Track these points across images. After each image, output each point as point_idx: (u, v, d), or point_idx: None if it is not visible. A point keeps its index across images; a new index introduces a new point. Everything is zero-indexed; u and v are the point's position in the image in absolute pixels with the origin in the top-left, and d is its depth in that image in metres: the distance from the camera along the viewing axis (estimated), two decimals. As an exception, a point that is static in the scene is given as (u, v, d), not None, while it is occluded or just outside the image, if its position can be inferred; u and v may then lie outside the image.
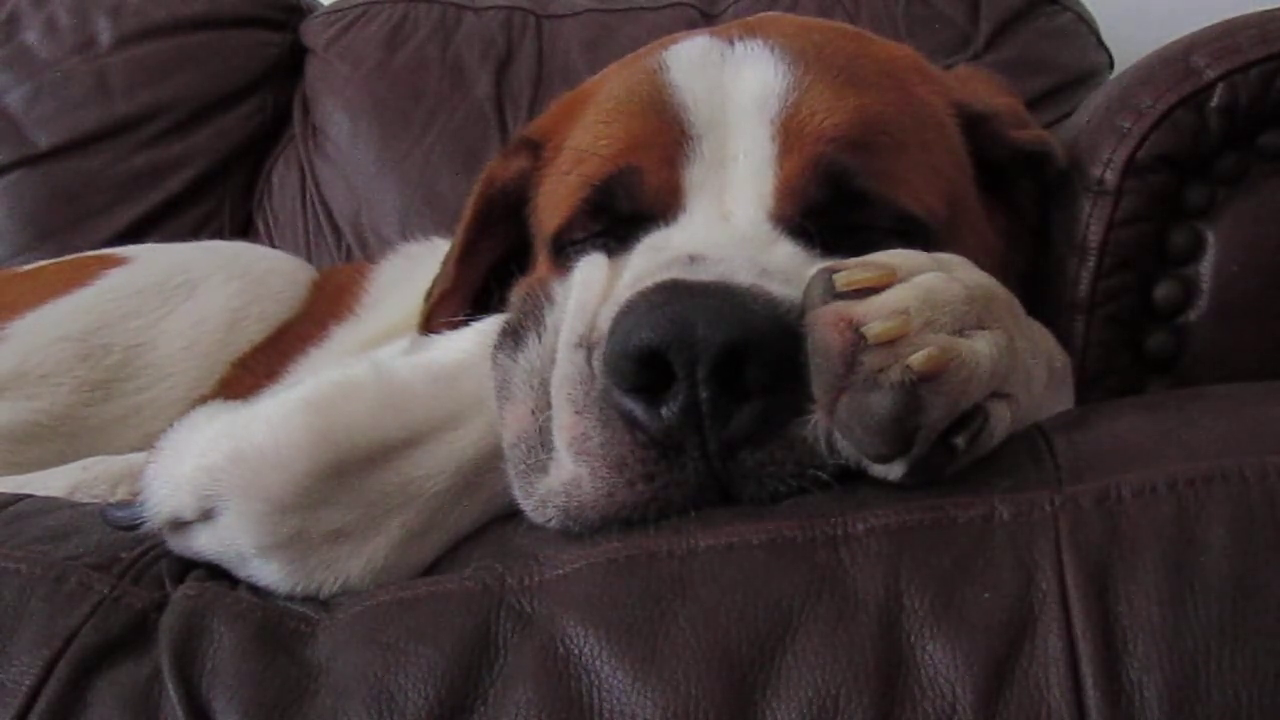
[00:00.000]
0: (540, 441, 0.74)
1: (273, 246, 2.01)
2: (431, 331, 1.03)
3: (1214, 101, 0.90)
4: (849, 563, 0.63)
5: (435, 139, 2.05)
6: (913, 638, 0.60)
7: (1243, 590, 0.58)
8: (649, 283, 0.74)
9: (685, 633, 0.62)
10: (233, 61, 2.17)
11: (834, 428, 0.67)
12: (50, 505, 0.88)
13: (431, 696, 0.63)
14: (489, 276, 1.15)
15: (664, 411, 0.69)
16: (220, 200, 2.14)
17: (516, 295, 0.96)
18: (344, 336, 1.50)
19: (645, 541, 0.67)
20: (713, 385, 0.68)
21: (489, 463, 0.76)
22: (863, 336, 0.64)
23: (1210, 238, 0.93)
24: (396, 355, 0.79)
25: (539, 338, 0.77)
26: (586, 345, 0.74)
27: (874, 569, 0.62)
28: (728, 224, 0.88)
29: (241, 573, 0.73)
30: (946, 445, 0.66)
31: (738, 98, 0.93)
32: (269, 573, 0.72)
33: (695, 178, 0.91)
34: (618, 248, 0.89)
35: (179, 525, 0.74)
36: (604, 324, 0.74)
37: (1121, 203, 0.93)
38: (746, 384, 0.69)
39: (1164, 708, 0.56)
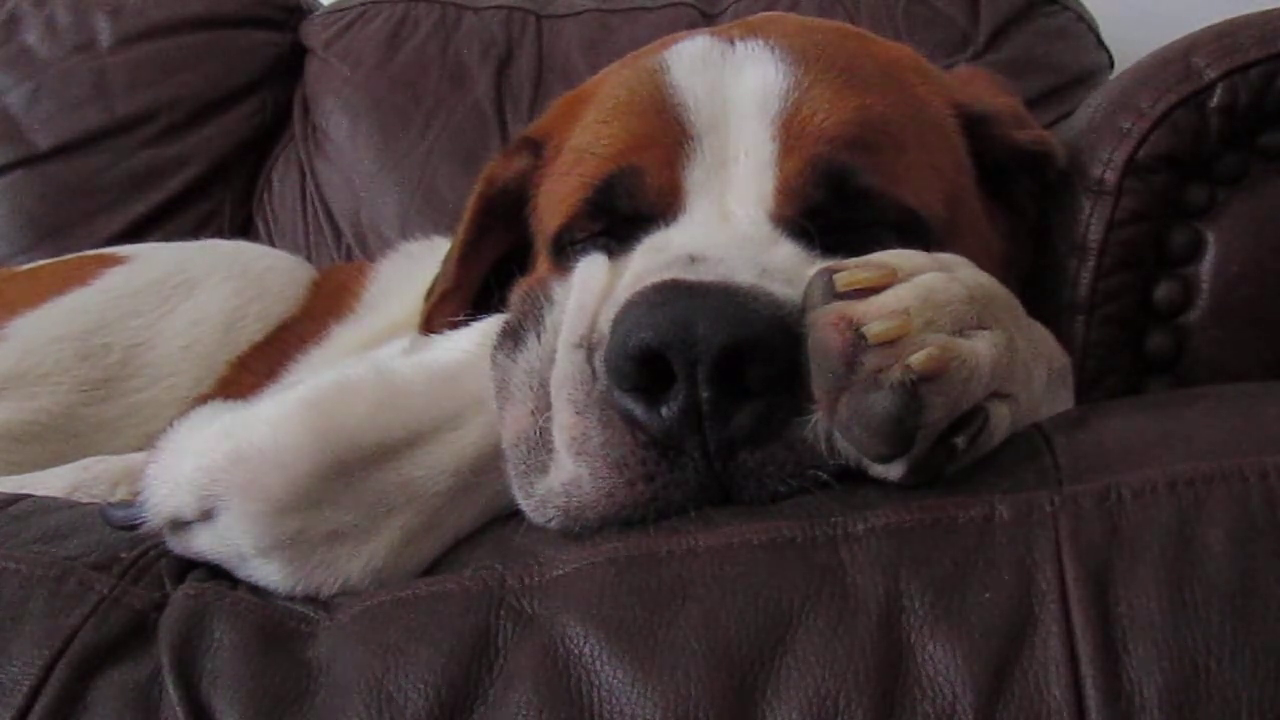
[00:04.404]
0: (540, 442, 0.74)
1: (273, 246, 2.01)
2: (432, 331, 1.03)
3: (1214, 101, 0.90)
4: (849, 563, 0.63)
5: (435, 139, 2.05)
6: (913, 638, 0.60)
7: (1243, 590, 0.58)
8: (649, 282, 0.74)
9: (685, 633, 0.62)
10: (233, 61, 2.17)
11: (834, 428, 0.67)
12: (50, 505, 0.88)
13: (431, 696, 0.63)
14: (489, 276, 1.15)
15: (664, 411, 0.69)
16: (220, 200, 2.14)
17: (516, 295, 0.96)
18: (344, 335, 1.50)
19: (645, 541, 0.67)
20: (713, 385, 0.68)
21: (489, 463, 0.76)
22: (863, 336, 0.64)
23: (1210, 238, 0.93)
24: (396, 355, 0.79)
25: (539, 338, 0.77)
26: (587, 345, 0.74)
27: (874, 569, 0.62)
28: (728, 224, 0.88)
29: (241, 573, 0.73)
30: (947, 445, 0.66)
31: (738, 98, 0.93)
32: (269, 573, 0.72)
33: (696, 178, 0.91)
34: (618, 248, 0.89)
35: (179, 525, 0.74)
36: (604, 324, 0.74)
37: (1121, 203, 0.93)
38: (747, 384, 0.69)
39: (1164, 708, 0.56)
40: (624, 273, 0.81)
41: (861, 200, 0.89)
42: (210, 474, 0.71)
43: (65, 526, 0.80)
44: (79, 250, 1.77)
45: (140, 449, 1.28)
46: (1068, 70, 1.93)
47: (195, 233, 2.03)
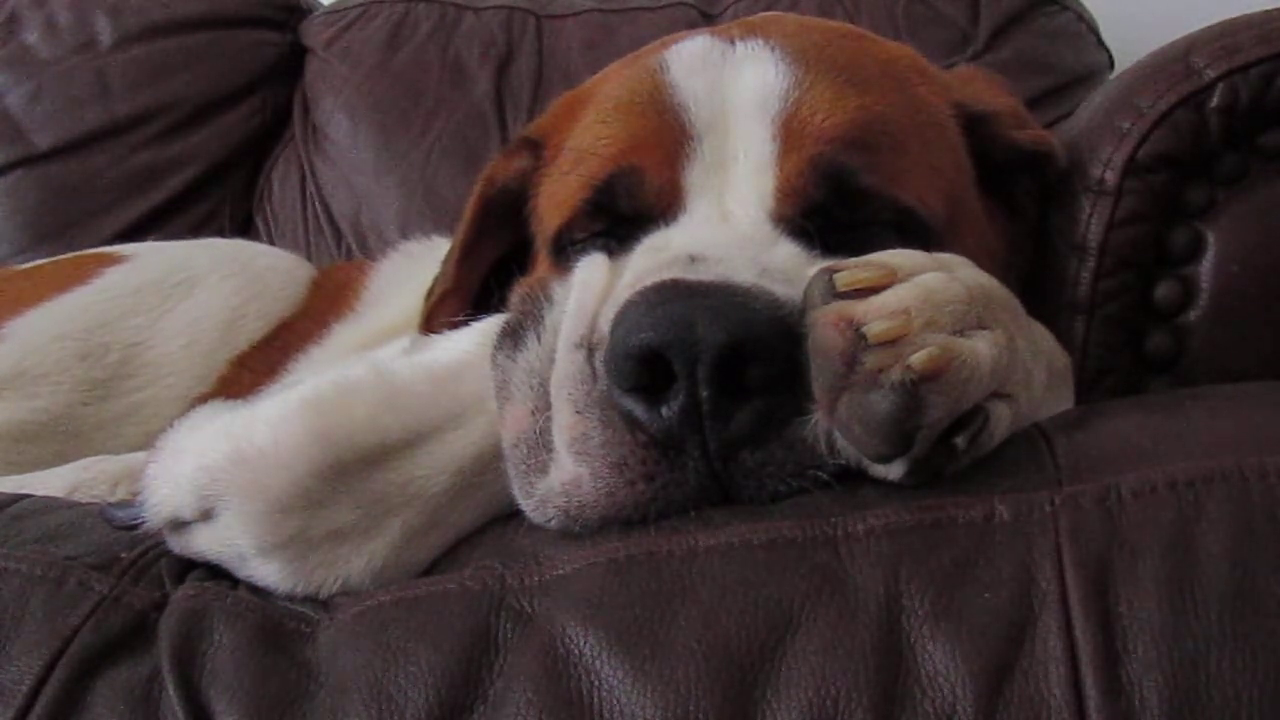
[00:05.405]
0: (540, 442, 0.74)
1: (272, 246, 2.00)
2: (432, 331, 1.03)
3: (1214, 101, 0.90)
4: (849, 563, 0.63)
5: (435, 139, 2.05)
6: (913, 638, 0.60)
7: (1242, 590, 0.58)
8: (649, 282, 0.74)
9: (685, 633, 0.62)
10: (233, 61, 2.17)
11: (834, 428, 0.67)
12: (50, 505, 0.88)
13: (431, 696, 0.63)
14: (489, 276, 1.15)
15: (664, 411, 0.69)
16: (220, 200, 2.14)
17: (516, 295, 0.96)
18: (344, 334, 1.50)
19: (645, 541, 0.67)
20: (713, 385, 0.68)
21: (489, 463, 0.76)
22: (863, 336, 0.64)
23: (1210, 238, 0.93)
24: (396, 355, 0.79)
25: (539, 338, 0.77)
26: (587, 346, 0.74)
27: (874, 569, 0.62)
28: (728, 224, 0.88)
29: (241, 573, 0.73)
30: (947, 445, 0.66)
31: (738, 97, 0.93)
32: (269, 573, 0.72)
33: (695, 178, 0.91)
34: (618, 248, 0.89)
35: (179, 525, 0.74)
36: (604, 324, 0.74)
37: (1121, 203, 0.93)
38: (747, 384, 0.69)
39: (1164, 708, 0.56)
40: (624, 273, 0.81)
41: (861, 200, 0.89)
42: (210, 474, 0.71)
43: (65, 526, 0.80)
44: (79, 250, 1.76)
45: (140, 448, 1.28)
46: (1068, 70, 1.93)
47: (195, 233, 2.03)
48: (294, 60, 2.22)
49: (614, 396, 0.71)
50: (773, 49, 0.96)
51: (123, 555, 0.75)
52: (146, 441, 1.19)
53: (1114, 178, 0.93)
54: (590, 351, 0.74)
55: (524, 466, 0.74)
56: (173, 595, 0.72)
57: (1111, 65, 1.99)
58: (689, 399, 0.69)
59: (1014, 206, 1.04)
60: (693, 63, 0.97)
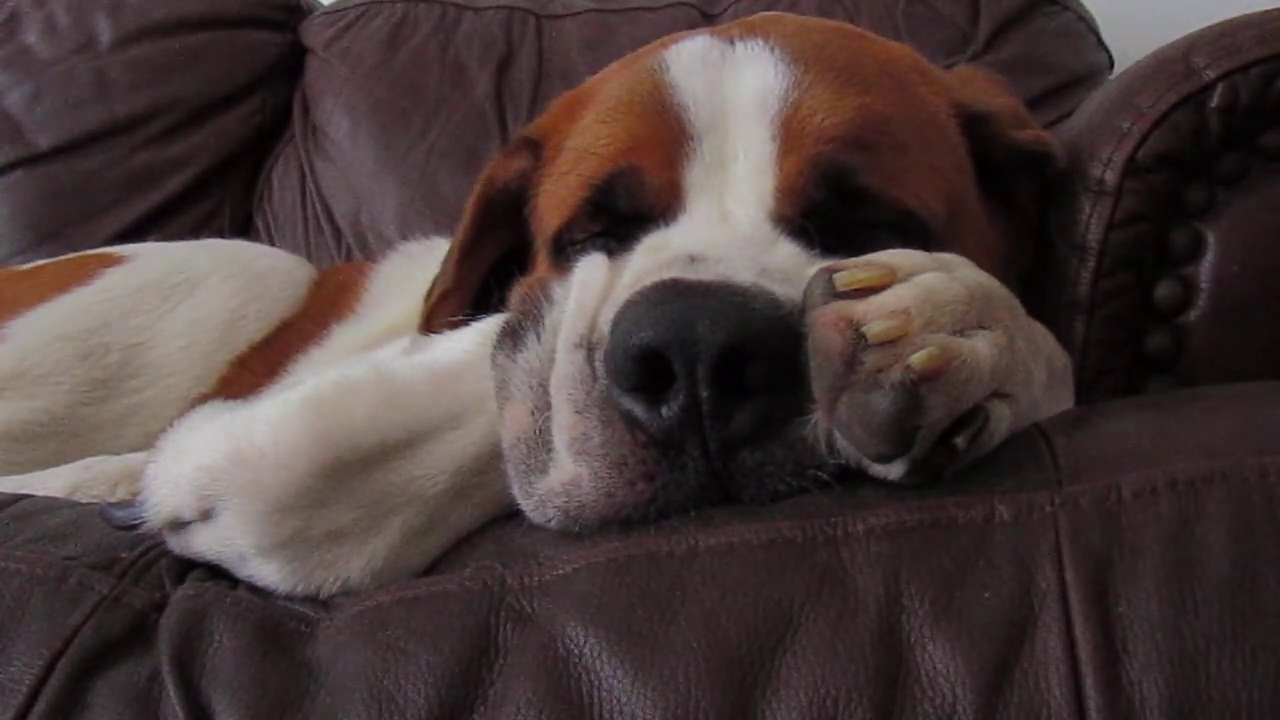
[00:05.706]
0: (540, 441, 0.74)
1: (273, 246, 2.01)
2: (432, 331, 1.03)
3: (1214, 101, 0.90)
4: (849, 563, 0.63)
5: (435, 139, 2.05)
6: (913, 638, 0.60)
7: (1242, 590, 0.58)
8: (649, 282, 0.74)
9: (685, 633, 0.62)
10: (233, 61, 2.17)
11: (834, 428, 0.67)
12: (50, 505, 0.88)
13: (431, 696, 0.63)
14: (489, 276, 1.15)
15: (664, 411, 0.69)
16: (220, 200, 2.14)
17: (516, 295, 0.96)
18: (344, 335, 1.50)
19: (645, 541, 0.67)
20: (713, 385, 0.68)
21: (489, 463, 0.76)
22: (863, 336, 0.64)
23: (1210, 238, 0.93)
24: (396, 355, 0.79)
25: (538, 338, 0.77)
26: (587, 345, 0.74)
27: (874, 569, 0.62)
28: (728, 224, 0.88)
29: (241, 573, 0.73)
30: (947, 445, 0.66)
31: (738, 97, 0.93)
32: (269, 573, 0.72)
33: (695, 177, 0.91)
34: (618, 248, 0.89)
35: (179, 525, 0.74)
36: (604, 324, 0.74)
37: (1121, 203, 0.93)
38: (747, 383, 0.69)
39: (1164, 708, 0.56)
40: (624, 273, 0.81)
41: (861, 200, 0.89)
42: (210, 474, 0.71)
43: (65, 526, 0.80)
44: (79, 250, 1.76)
45: (140, 448, 1.28)
46: (1068, 70, 1.93)
47: (195, 233, 2.03)
48: (294, 60, 2.22)
49: (614, 396, 0.71)
50: (772, 49, 0.96)
51: (123, 555, 0.75)
52: (146, 442, 1.19)
53: (1114, 178, 0.93)
54: (590, 351, 0.74)
55: (524, 466, 0.74)
56: (173, 595, 0.72)
57: (1111, 65, 1.99)
58: (689, 399, 0.69)
59: (1014, 206, 1.04)
60: (692, 63, 0.97)
